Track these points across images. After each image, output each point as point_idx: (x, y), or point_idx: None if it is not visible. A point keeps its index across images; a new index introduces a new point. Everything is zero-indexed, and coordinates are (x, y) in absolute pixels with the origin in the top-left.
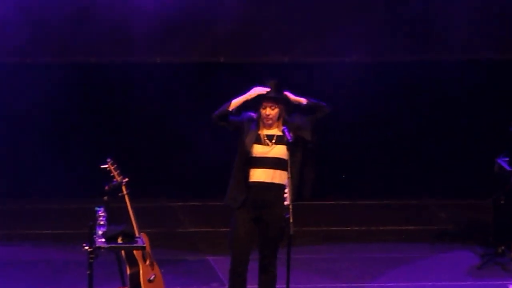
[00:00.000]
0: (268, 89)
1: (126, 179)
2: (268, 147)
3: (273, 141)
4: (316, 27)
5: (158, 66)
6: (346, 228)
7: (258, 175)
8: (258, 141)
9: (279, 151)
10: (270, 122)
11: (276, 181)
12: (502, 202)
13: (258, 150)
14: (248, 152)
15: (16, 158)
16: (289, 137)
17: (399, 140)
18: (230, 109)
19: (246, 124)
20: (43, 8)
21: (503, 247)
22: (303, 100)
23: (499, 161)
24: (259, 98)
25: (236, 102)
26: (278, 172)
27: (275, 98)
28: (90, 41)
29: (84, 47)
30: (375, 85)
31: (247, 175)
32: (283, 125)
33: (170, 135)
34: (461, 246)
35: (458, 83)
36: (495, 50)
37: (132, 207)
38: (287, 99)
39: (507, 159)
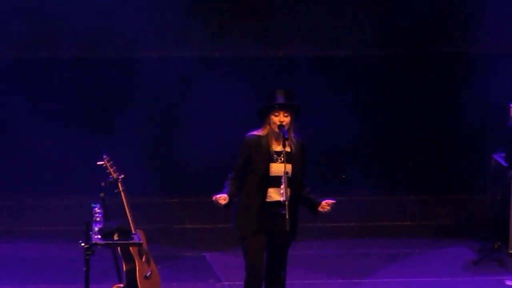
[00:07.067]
0: None
1: (122, 176)
2: (280, 164)
3: (282, 158)
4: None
5: (152, 60)
6: (343, 224)
7: (274, 194)
8: (271, 159)
9: (289, 169)
10: (283, 128)
11: (290, 197)
12: (499, 197)
13: (273, 169)
14: (265, 174)
15: (14, 154)
16: (285, 134)
17: (397, 135)
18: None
19: (253, 149)
20: None
21: (499, 243)
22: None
23: (495, 156)
24: (270, 108)
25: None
26: (290, 190)
27: (288, 105)
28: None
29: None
30: (372, 79)
31: (264, 196)
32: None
33: (166, 131)
34: (458, 242)
35: (455, 78)
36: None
37: (128, 204)
38: (299, 106)
39: (504, 154)
